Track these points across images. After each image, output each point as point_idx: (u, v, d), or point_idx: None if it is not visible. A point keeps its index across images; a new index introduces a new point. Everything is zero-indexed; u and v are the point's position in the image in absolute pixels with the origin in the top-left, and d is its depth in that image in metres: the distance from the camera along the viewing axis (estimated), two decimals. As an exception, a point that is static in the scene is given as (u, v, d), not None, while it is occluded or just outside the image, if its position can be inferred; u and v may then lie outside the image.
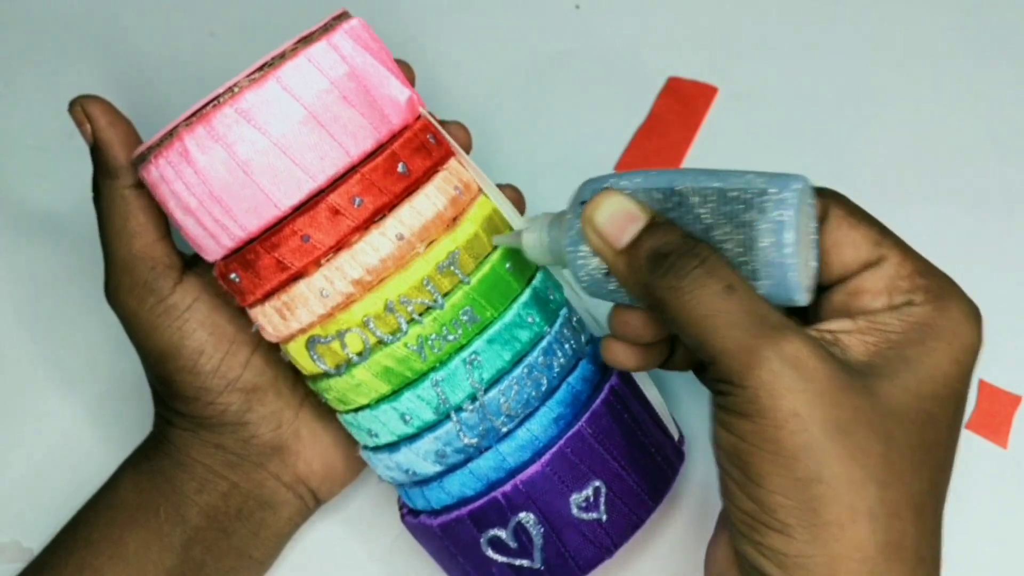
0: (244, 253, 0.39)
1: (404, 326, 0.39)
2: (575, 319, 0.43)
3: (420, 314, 0.39)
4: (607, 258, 0.36)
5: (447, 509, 0.41)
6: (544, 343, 0.41)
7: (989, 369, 0.50)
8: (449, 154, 0.41)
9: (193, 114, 0.38)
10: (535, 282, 0.42)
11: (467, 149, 0.44)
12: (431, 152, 0.40)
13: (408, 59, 0.46)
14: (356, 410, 0.41)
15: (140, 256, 0.42)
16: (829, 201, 0.36)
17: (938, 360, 0.33)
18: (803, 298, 0.34)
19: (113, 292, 0.43)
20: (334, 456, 0.45)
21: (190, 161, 0.37)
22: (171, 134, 0.38)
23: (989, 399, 0.50)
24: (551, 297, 0.42)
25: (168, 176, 0.38)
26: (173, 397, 0.43)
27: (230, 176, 0.37)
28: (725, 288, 0.33)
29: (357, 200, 0.38)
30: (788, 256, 0.33)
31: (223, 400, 0.43)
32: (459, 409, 0.40)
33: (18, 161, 0.59)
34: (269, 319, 0.40)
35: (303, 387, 0.45)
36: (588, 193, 0.37)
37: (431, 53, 0.58)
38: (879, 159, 0.56)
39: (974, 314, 0.35)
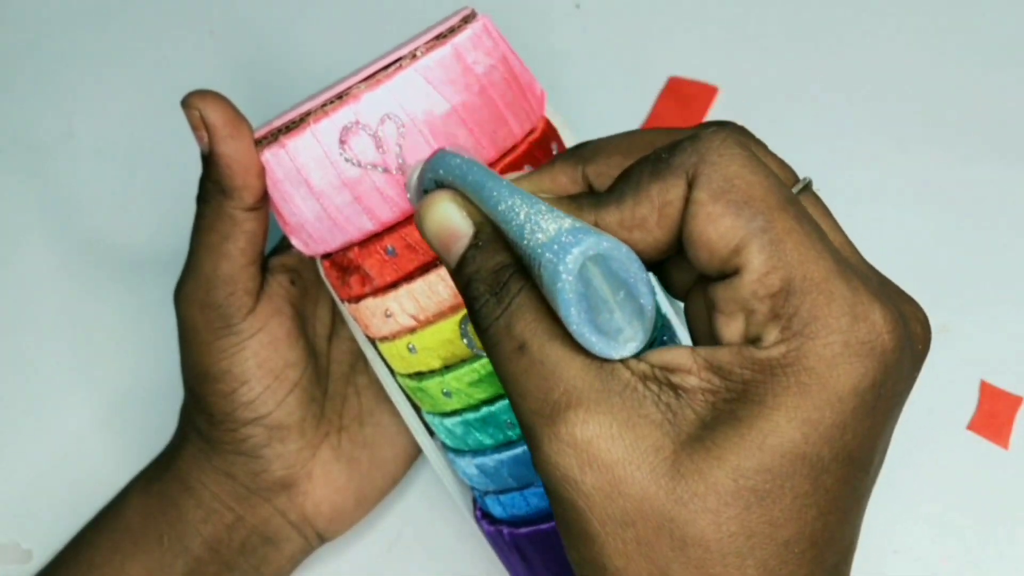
0: (413, 216, 0.37)
1: None
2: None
3: None
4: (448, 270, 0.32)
5: None
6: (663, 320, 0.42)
7: (990, 370, 0.50)
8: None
9: (367, 78, 0.36)
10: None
11: None
12: (563, 143, 0.41)
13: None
14: (493, 400, 0.39)
15: (224, 278, 0.40)
16: (695, 177, 0.28)
17: (774, 425, 0.27)
18: (614, 353, 0.29)
19: (184, 299, 0.41)
20: (344, 498, 0.44)
21: (362, 121, 0.36)
22: (340, 96, 0.36)
23: (990, 400, 0.49)
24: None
25: (328, 140, 0.36)
26: (199, 412, 0.43)
27: (406, 140, 0.36)
28: (516, 349, 0.28)
29: (528, 168, 0.38)
30: (573, 326, 0.28)
31: (246, 431, 0.42)
32: None
33: (18, 161, 0.59)
34: (415, 298, 0.38)
35: (326, 426, 0.44)
36: (429, 180, 0.33)
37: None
38: (880, 160, 0.56)
39: (857, 348, 0.27)
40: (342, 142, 0.36)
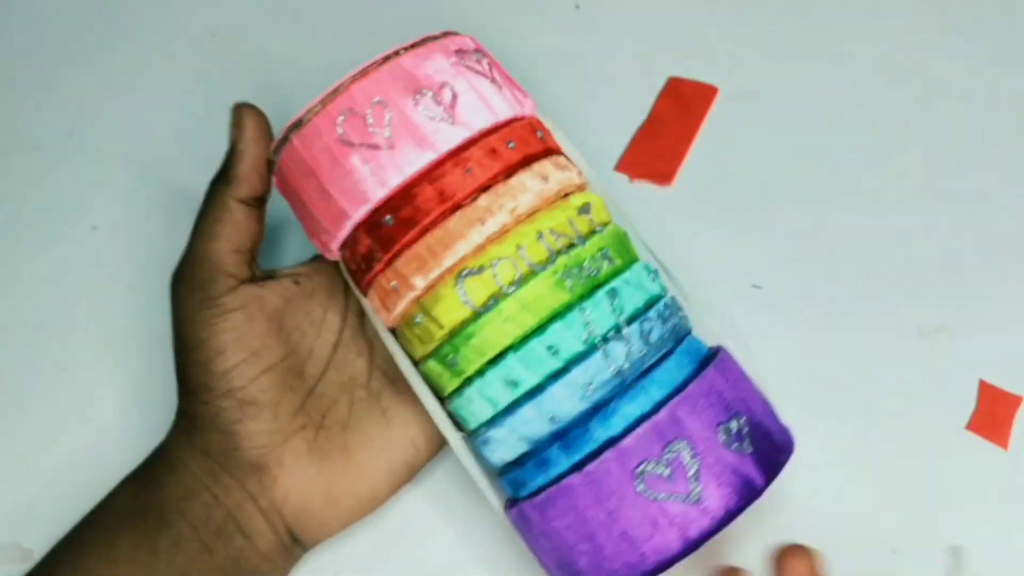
0: (406, 187, 0.41)
1: (553, 256, 0.41)
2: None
3: (567, 247, 0.42)
4: None
5: (589, 459, 0.40)
6: (667, 298, 0.44)
7: (989, 369, 0.50)
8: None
9: (357, 73, 0.42)
10: (641, 260, 0.45)
11: None
12: (549, 134, 0.45)
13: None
14: (495, 361, 0.41)
15: (210, 257, 0.44)
16: None
17: None
18: None
19: (175, 279, 0.45)
20: (312, 492, 0.45)
21: (356, 109, 0.41)
22: (335, 91, 0.41)
23: (989, 400, 0.49)
24: (656, 272, 0.45)
25: (326, 129, 0.41)
26: (181, 386, 0.45)
27: (401, 121, 0.41)
28: None
29: (511, 143, 0.42)
30: None
31: (219, 403, 0.44)
32: (605, 339, 0.41)
33: (19, 161, 0.59)
34: (419, 259, 0.41)
35: (304, 419, 0.45)
36: None
37: (431, 53, 0.58)
38: (879, 159, 0.56)
39: None
40: (339, 128, 0.41)
